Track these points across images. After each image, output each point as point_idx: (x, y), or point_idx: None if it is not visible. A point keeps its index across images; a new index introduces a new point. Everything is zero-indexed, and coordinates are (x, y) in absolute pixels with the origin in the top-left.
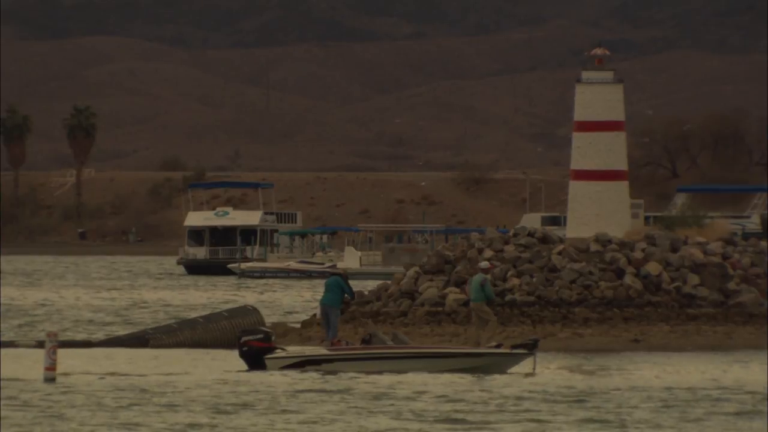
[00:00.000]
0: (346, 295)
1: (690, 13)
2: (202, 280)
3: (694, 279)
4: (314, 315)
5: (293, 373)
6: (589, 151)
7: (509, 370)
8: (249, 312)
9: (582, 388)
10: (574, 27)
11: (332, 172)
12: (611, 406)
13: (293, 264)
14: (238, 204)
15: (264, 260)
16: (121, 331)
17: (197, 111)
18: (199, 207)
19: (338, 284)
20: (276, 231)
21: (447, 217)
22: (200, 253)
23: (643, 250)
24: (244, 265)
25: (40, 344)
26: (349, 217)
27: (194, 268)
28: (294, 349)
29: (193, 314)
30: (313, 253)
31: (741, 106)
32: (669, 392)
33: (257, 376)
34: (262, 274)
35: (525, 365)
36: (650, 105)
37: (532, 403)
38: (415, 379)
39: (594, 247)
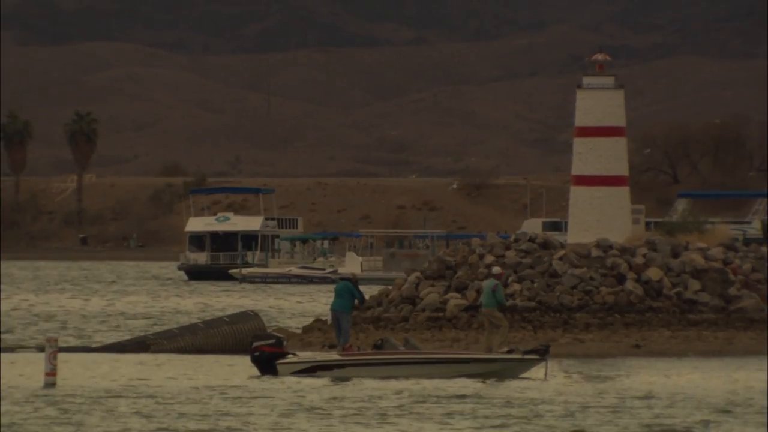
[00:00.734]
0: (356, 300)
1: (690, 18)
2: (211, 285)
3: (695, 284)
4: (315, 320)
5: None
6: (590, 156)
7: (521, 376)
8: (250, 317)
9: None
10: (575, 33)
11: (333, 177)
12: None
13: (294, 269)
14: (239, 209)
15: (265, 266)
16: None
17: (198, 116)
18: (200, 212)
19: (348, 289)
20: (277, 236)
21: (448, 223)
22: (201, 258)
23: (644, 256)
24: (245, 271)
25: (40, 349)
26: (350, 223)
27: (195, 273)
28: (305, 355)
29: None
30: (314, 259)
31: (741, 112)
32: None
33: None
34: (263, 279)
35: (536, 371)
36: (651, 110)
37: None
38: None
39: (595, 252)
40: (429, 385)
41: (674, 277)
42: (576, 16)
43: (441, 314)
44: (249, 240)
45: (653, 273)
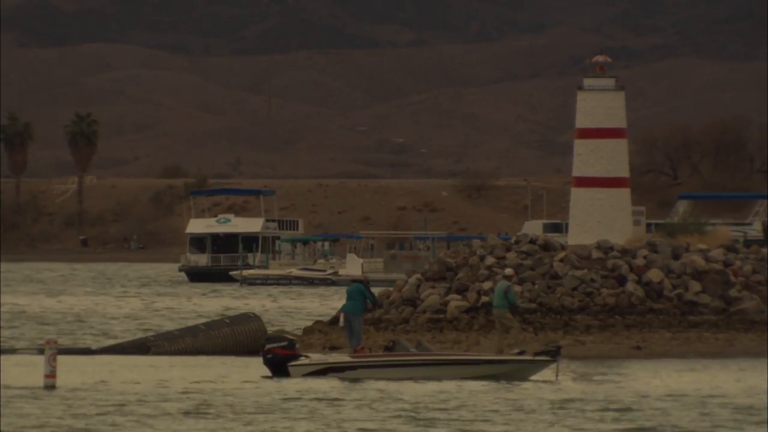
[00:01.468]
0: (368, 302)
1: (691, 20)
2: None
3: (695, 286)
4: (315, 322)
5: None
6: (590, 158)
7: (531, 378)
8: (251, 319)
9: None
10: (576, 34)
11: (333, 179)
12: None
13: (295, 271)
14: (240, 211)
15: (266, 267)
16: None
17: (199, 118)
18: (200, 214)
19: (360, 291)
20: (277, 238)
21: (448, 225)
22: (202, 260)
23: (644, 257)
24: (245, 273)
25: (40, 351)
26: (351, 224)
27: (196, 275)
28: (317, 357)
29: None
30: (315, 260)
31: (742, 114)
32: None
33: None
34: (264, 281)
35: (547, 372)
36: (652, 112)
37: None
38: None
39: (596, 254)
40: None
41: (675, 278)
42: (576, 18)
43: (442, 316)
44: (250, 242)
45: (654, 275)
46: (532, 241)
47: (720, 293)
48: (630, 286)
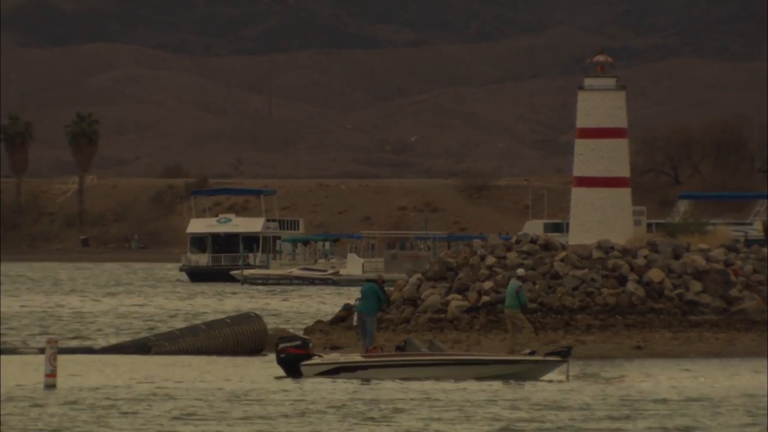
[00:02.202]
0: (382, 302)
1: (692, 20)
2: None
3: (696, 286)
4: (316, 321)
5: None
6: (591, 158)
7: (542, 378)
8: (251, 319)
9: None
10: (577, 34)
11: (334, 179)
12: None
13: (295, 271)
14: (241, 211)
15: (266, 267)
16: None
17: (199, 118)
18: (201, 214)
19: (373, 291)
20: (278, 238)
21: (449, 225)
22: (203, 260)
23: (645, 257)
24: (246, 272)
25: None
26: (352, 224)
27: (196, 275)
28: (329, 356)
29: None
30: (316, 260)
31: (743, 113)
32: None
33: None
34: (265, 281)
35: (558, 373)
36: (652, 112)
37: None
38: None
39: (596, 254)
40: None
41: (675, 278)
42: (577, 18)
43: (442, 316)
44: (250, 241)
45: (654, 274)
46: (533, 241)
47: (721, 293)
48: (631, 286)
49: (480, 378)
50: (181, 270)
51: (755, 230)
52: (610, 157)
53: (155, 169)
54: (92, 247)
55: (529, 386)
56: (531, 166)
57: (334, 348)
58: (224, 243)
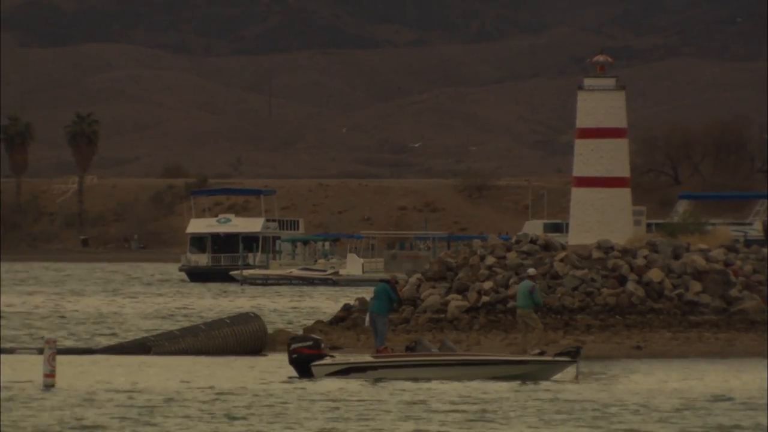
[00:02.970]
0: (394, 303)
1: (692, 20)
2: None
3: (696, 286)
4: (316, 321)
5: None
6: (591, 158)
7: (552, 378)
8: (251, 319)
9: None
10: (576, 34)
11: (334, 179)
12: None
13: (295, 271)
14: (241, 211)
15: (266, 267)
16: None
17: (199, 118)
18: (201, 214)
19: (385, 291)
20: (278, 238)
21: (449, 225)
22: (202, 260)
23: (645, 257)
24: (246, 272)
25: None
26: (352, 224)
27: (196, 275)
28: (340, 357)
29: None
30: (315, 260)
31: (743, 113)
32: None
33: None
34: (264, 281)
35: (567, 373)
36: (652, 112)
37: None
38: None
39: (596, 254)
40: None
41: (675, 278)
42: (577, 18)
43: (442, 315)
44: (250, 241)
45: (654, 274)
46: (533, 241)
47: (720, 293)
48: (630, 286)
49: (490, 378)
50: (180, 270)
51: (755, 230)
52: (609, 157)
53: (155, 169)
54: (92, 247)
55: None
56: (531, 166)
57: (334, 348)
58: (224, 243)
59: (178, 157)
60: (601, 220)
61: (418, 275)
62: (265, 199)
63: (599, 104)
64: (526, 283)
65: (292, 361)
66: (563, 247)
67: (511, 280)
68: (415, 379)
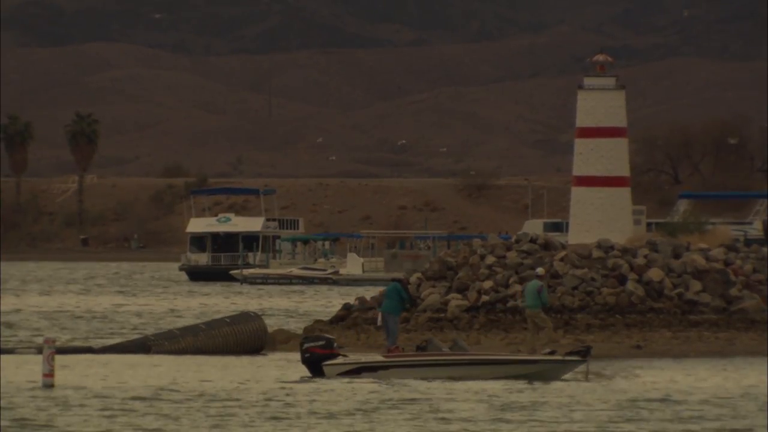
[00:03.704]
0: (406, 303)
1: (692, 20)
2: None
3: (696, 285)
4: (315, 321)
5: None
6: (591, 157)
7: (562, 378)
8: (251, 318)
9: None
10: (576, 33)
11: (334, 178)
12: None
13: (295, 270)
14: (240, 210)
15: (266, 267)
16: None
17: (199, 117)
18: (201, 213)
19: (397, 291)
20: (278, 237)
21: (449, 224)
22: (202, 259)
23: (645, 257)
24: (246, 272)
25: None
26: (351, 224)
27: (196, 274)
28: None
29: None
30: (315, 260)
31: (743, 113)
32: None
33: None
34: (264, 280)
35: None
36: (652, 111)
37: None
38: None
39: (596, 253)
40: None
41: (675, 278)
42: (577, 17)
43: (442, 315)
44: (250, 241)
45: (654, 274)
46: (533, 240)
47: (720, 292)
48: (630, 286)
49: (500, 378)
50: (180, 269)
51: (755, 230)
52: (609, 157)
53: (155, 168)
54: (92, 247)
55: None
56: (531, 166)
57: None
58: (224, 242)
59: (178, 157)
60: (601, 219)
61: (418, 274)
62: (264, 198)
63: (599, 104)
64: (534, 283)
65: (304, 361)
66: (563, 247)
67: (511, 280)
68: (426, 379)
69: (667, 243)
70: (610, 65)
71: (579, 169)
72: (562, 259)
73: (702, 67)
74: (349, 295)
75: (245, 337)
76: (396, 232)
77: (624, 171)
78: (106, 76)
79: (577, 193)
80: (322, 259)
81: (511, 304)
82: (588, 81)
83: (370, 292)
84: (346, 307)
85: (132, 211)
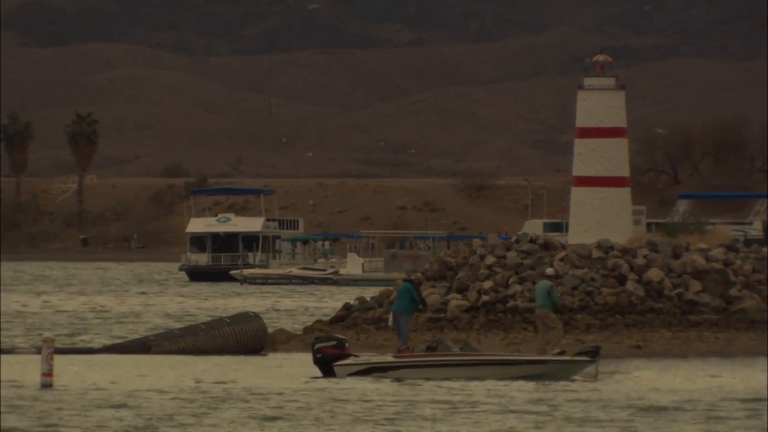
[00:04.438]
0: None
1: (691, 20)
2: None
3: (695, 285)
4: (316, 321)
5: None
6: (591, 157)
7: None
8: (251, 318)
9: None
10: (576, 34)
11: (334, 178)
12: None
13: (295, 270)
14: (240, 210)
15: (266, 267)
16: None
17: (199, 118)
18: (201, 213)
19: (408, 291)
20: (278, 237)
21: (449, 224)
22: (202, 259)
23: (645, 257)
24: (246, 272)
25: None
26: (351, 224)
27: (196, 274)
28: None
29: None
30: (315, 260)
31: (743, 113)
32: None
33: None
34: (264, 280)
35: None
36: (652, 111)
37: None
38: None
39: (596, 253)
40: None
41: (675, 278)
42: (577, 18)
43: (442, 315)
44: (250, 241)
45: (654, 274)
46: (533, 241)
47: (720, 292)
48: (630, 286)
49: (510, 378)
50: (180, 270)
51: (755, 230)
52: (609, 157)
53: (155, 168)
54: (92, 247)
55: None
56: (531, 166)
57: None
58: (224, 242)
59: (178, 157)
60: (601, 219)
61: (418, 275)
62: (264, 198)
63: (599, 104)
64: (544, 283)
65: (316, 361)
66: (563, 247)
67: (511, 280)
68: (436, 379)
69: (667, 243)
70: (609, 65)
71: (579, 169)
72: (562, 260)
73: (702, 67)
74: (350, 295)
75: (245, 338)
76: (396, 232)
77: (624, 171)
78: (106, 76)
79: (577, 193)
80: (321, 260)
81: (510, 304)
82: (588, 81)
83: (370, 293)
84: (346, 307)
85: (132, 212)
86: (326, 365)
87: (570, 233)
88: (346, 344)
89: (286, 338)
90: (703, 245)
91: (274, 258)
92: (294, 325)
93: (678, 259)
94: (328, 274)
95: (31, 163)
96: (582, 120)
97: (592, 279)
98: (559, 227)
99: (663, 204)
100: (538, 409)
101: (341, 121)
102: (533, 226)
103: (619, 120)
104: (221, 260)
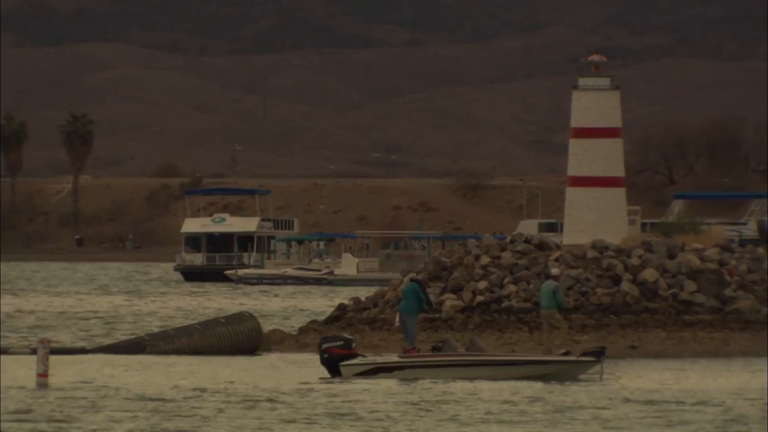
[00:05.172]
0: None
1: (687, 20)
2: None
3: (691, 286)
4: (311, 321)
5: None
6: (586, 157)
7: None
8: (246, 318)
9: None
10: (571, 34)
11: (329, 178)
12: None
13: (290, 271)
14: (235, 210)
15: (261, 267)
16: None
17: (194, 118)
18: (196, 213)
19: (414, 291)
20: (273, 237)
21: (444, 224)
22: (197, 259)
23: (640, 257)
24: (241, 272)
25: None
26: (346, 224)
27: (191, 274)
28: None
29: None
30: (310, 260)
31: (738, 113)
32: None
33: None
34: (259, 280)
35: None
36: (647, 112)
37: None
38: None
39: (591, 253)
40: None
41: (670, 278)
42: (572, 18)
43: (437, 315)
44: (245, 241)
45: (649, 274)
46: (528, 241)
47: (715, 293)
48: (625, 286)
49: (516, 378)
50: (175, 270)
51: (750, 230)
52: (604, 157)
53: (150, 168)
54: (87, 247)
55: None
56: (525, 166)
57: None
58: (219, 242)
59: (173, 157)
60: (596, 219)
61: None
62: (259, 198)
63: (594, 104)
64: (549, 283)
65: (323, 361)
66: (558, 247)
67: (506, 280)
68: (442, 379)
69: (662, 243)
70: (604, 65)
71: (574, 169)
72: (556, 260)
73: (697, 68)
74: (346, 295)
75: (240, 338)
76: (391, 232)
77: (619, 171)
78: (100, 77)
79: (572, 193)
80: (317, 260)
81: (505, 304)
82: (583, 81)
83: (365, 293)
84: (341, 308)
85: (127, 212)
86: (333, 365)
87: (565, 233)
88: (353, 344)
89: (281, 338)
90: (698, 245)
91: (269, 258)
92: (291, 325)
93: (673, 259)
94: (323, 274)
95: (26, 164)
96: (577, 120)
97: (587, 279)
98: (554, 227)
99: (658, 204)
100: (544, 408)
101: (336, 122)
102: (528, 227)
103: (614, 120)
104: (216, 260)
